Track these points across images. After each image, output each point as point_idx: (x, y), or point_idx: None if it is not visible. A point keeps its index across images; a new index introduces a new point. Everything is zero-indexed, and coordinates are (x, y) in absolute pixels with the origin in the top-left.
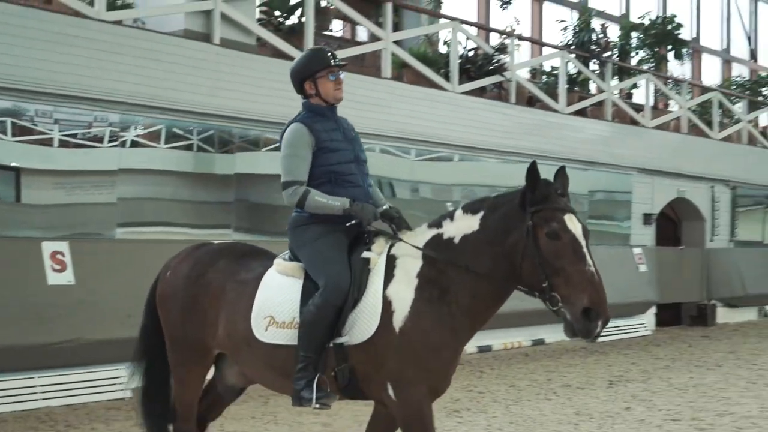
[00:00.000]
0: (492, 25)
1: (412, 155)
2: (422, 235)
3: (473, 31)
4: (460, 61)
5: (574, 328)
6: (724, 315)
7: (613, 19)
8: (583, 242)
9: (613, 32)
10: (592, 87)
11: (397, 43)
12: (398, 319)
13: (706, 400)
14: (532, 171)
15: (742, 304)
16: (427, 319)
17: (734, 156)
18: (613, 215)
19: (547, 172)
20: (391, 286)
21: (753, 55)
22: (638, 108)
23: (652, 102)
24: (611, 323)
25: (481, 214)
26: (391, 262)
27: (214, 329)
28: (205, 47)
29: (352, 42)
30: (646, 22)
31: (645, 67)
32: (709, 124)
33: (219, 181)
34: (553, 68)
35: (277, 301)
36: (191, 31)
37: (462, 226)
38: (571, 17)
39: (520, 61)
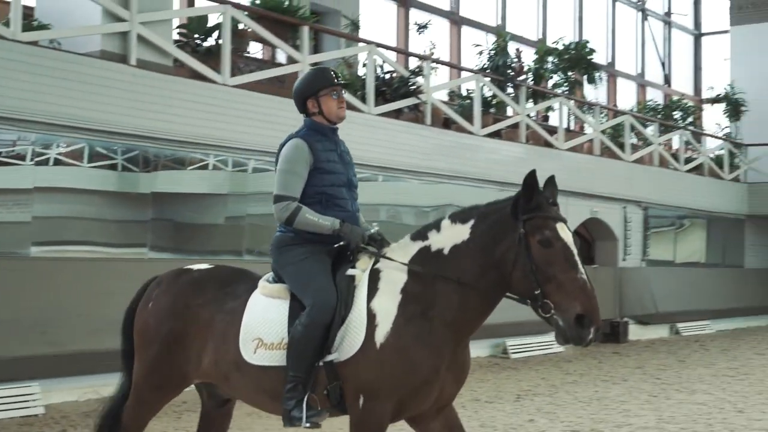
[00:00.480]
0: (411, 48)
1: None
2: (407, 248)
3: (392, 54)
4: (376, 83)
5: (567, 335)
6: (636, 332)
7: (530, 44)
8: (574, 250)
9: (529, 57)
10: (510, 110)
11: (316, 65)
12: (380, 334)
13: (607, 412)
14: (530, 180)
15: (653, 321)
16: (406, 336)
17: (646, 177)
18: None
19: (463, 192)
20: (376, 299)
21: (667, 79)
22: (553, 130)
23: (566, 125)
24: (523, 340)
25: (471, 222)
26: (375, 276)
27: (198, 360)
28: (121, 68)
29: (270, 64)
30: (561, 47)
31: (560, 90)
32: (622, 146)
33: (135, 200)
34: (469, 91)
35: (264, 323)
36: (108, 52)
37: (451, 236)
38: (486, 41)
39: (436, 84)
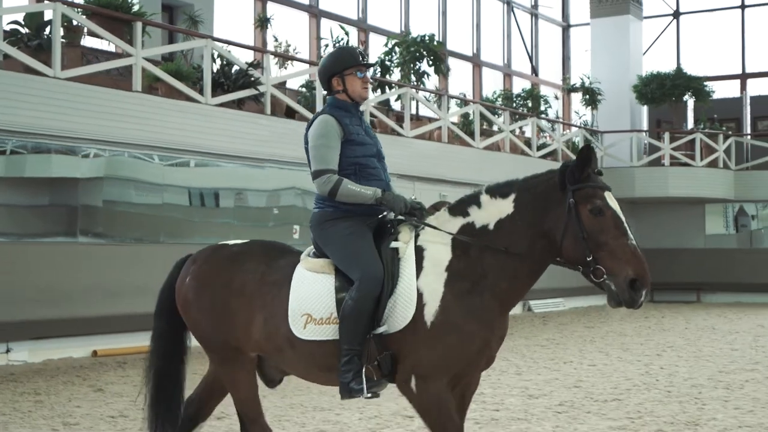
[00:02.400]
0: (269, 41)
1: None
2: (448, 223)
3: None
4: (215, 75)
5: (619, 298)
6: None
7: (392, 37)
8: (623, 218)
9: (380, 48)
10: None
11: (169, 56)
12: (429, 313)
13: None
14: (587, 152)
15: None
16: (456, 313)
17: (496, 163)
18: None
19: (307, 176)
20: (421, 278)
21: (534, 70)
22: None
23: (414, 113)
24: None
25: (512, 196)
26: (419, 254)
27: (246, 333)
28: None
29: (119, 56)
30: (409, 39)
31: (411, 80)
32: (472, 134)
33: None
34: (315, 82)
35: (311, 299)
36: None
37: (494, 211)
38: (331, 34)
39: (283, 75)
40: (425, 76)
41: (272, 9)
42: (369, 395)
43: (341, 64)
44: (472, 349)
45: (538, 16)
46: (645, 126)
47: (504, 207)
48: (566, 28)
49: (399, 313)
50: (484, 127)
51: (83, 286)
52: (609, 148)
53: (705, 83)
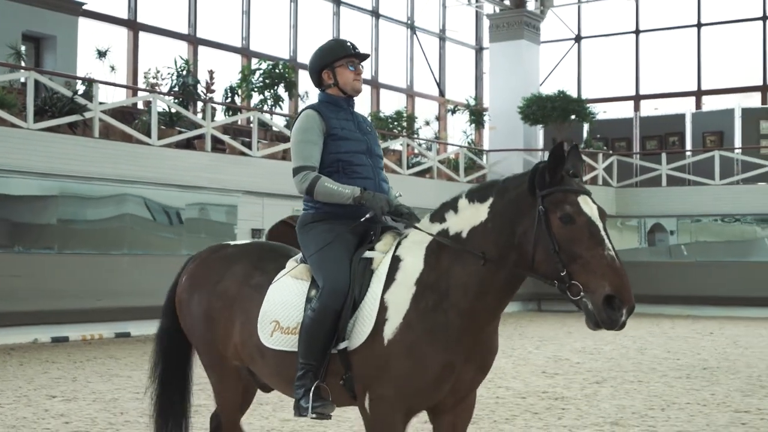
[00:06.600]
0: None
1: None
2: (428, 230)
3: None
4: (40, 103)
5: (597, 318)
6: None
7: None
8: (600, 225)
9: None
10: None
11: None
12: (389, 330)
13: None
14: (558, 152)
15: None
16: (416, 332)
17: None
18: (219, 230)
19: (144, 192)
20: (390, 290)
21: (441, 91)
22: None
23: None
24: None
25: (489, 201)
26: (394, 264)
27: (227, 339)
28: None
29: None
30: (264, 67)
31: (268, 104)
32: None
33: None
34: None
35: (283, 305)
36: None
37: (469, 217)
38: (176, 63)
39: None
40: (281, 100)
41: (150, 39)
42: (314, 416)
43: (332, 56)
44: (429, 373)
45: (445, 39)
46: (541, 145)
47: (479, 213)
48: (479, 51)
49: (358, 330)
50: None
51: None
52: (494, 166)
53: (587, 105)
